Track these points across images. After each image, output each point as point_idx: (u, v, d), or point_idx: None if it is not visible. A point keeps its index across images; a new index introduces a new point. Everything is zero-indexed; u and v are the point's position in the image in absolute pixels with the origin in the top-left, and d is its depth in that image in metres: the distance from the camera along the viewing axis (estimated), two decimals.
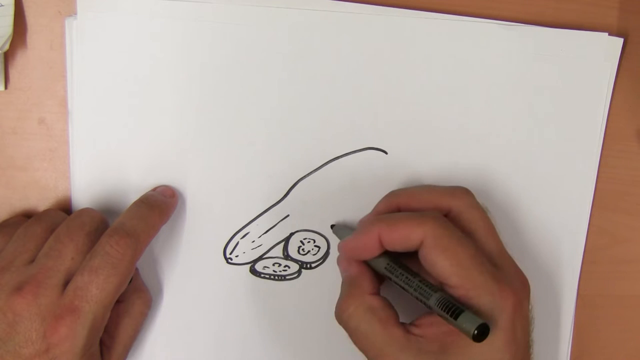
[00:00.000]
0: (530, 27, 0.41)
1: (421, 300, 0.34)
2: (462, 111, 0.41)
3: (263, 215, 0.41)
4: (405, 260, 0.36)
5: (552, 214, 0.42)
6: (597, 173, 0.43)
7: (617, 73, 0.42)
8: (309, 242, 0.41)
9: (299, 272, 0.41)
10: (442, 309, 0.33)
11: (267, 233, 0.41)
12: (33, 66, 0.39)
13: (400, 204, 0.38)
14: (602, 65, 0.42)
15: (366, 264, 0.37)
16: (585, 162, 0.42)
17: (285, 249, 0.41)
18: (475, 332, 0.31)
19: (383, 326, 0.35)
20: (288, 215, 0.41)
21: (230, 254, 0.41)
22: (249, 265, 0.41)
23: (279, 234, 0.41)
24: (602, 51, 0.42)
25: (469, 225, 0.36)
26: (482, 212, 0.37)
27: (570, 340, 0.44)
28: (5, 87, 0.38)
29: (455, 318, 0.32)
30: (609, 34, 0.42)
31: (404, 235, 0.35)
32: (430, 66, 0.41)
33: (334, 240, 0.41)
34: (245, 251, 0.41)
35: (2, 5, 0.37)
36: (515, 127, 0.42)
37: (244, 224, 0.40)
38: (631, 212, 0.44)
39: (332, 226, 0.41)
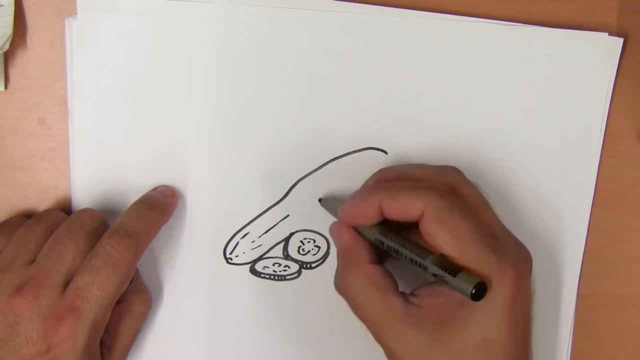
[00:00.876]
0: (531, 27, 0.41)
1: (417, 263, 0.34)
2: (462, 111, 0.41)
3: (263, 215, 0.41)
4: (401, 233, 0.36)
5: (552, 213, 0.42)
6: (597, 173, 0.43)
7: (617, 73, 0.42)
8: (309, 242, 0.41)
9: (299, 272, 0.41)
10: (439, 269, 0.33)
11: (267, 233, 0.41)
12: (33, 66, 0.39)
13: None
14: (602, 65, 0.42)
15: (359, 233, 0.37)
16: (586, 162, 0.42)
17: (285, 249, 0.41)
18: (474, 290, 0.31)
19: (382, 295, 0.35)
20: (288, 215, 0.41)
21: (230, 254, 0.41)
22: (249, 265, 0.41)
23: (279, 234, 0.41)
24: (602, 51, 0.42)
25: (463, 201, 0.36)
26: (474, 188, 0.37)
27: (570, 340, 0.44)
28: (5, 87, 0.38)
29: (454, 277, 0.32)
30: (609, 34, 0.42)
31: (404, 206, 0.34)
32: (430, 66, 0.41)
33: None
34: (245, 251, 0.41)
35: (2, 5, 0.37)
36: (515, 127, 0.42)
37: (244, 224, 0.40)
38: (631, 212, 0.44)
39: (320, 200, 0.40)
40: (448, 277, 0.32)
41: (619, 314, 0.45)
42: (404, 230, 0.36)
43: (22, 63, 0.39)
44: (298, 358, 0.42)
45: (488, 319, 0.33)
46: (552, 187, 0.42)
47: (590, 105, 0.42)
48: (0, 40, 0.36)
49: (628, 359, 0.45)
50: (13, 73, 0.39)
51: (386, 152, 0.41)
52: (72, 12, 0.38)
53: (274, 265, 0.41)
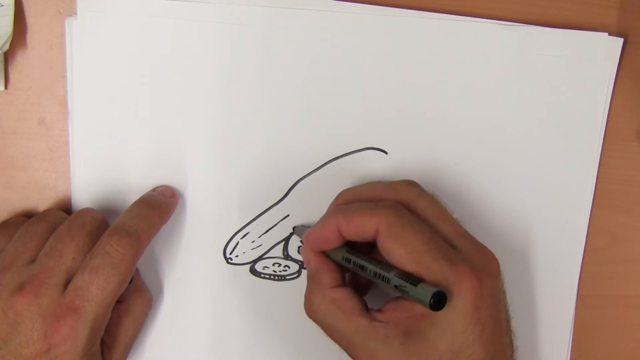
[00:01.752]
0: (531, 27, 0.41)
1: (380, 276, 0.34)
2: (462, 111, 0.41)
3: (263, 215, 0.41)
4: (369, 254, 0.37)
5: (552, 214, 0.42)
6: (597, 173, 0.43)
7: (617, 73, 0.42)
8: None
9: (298, 272, 0.41)
10: (400, 280, 0.33)
11: (267, 233, 0.41)
12: (33, 66, 0.39)
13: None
14: (602, 65, 0.42)
15: (327, 256, 0.38)
16: (586, 162, 0.42)
17: (285, 248, 0.41)
18: (432, 300, 0.31)
19: (347, 317, 0.35)
20: (288, 215, 0.41)
21: (230, 254, 0.41)
22: (249, 265, 0.41)
23: (279, 234, 0.41)
24: (602, 51, 0.42)
25: (418, 214, 0.36)
26: (430, 198, 0.37)
27: (570, 340, 0.44)
28: (5, 87, 0.38)
29: (415, 286, 0.32)
30: (609, 34, 0.42)
31: (359, 225, 0.35)
32: (430, 66, 0.41)
33: None
34: (245, 251, 0.41)
35: (2, 5, 0.37)
36: (515, 127, 0.42)
37: (244, 224, 0.40)
38: (631, 212, 0.44)
39: (293, 228, 0.41)
40: (409, 287, 0.32)
41: (619, 314, 0.45)
42: (373, 253, 0.37)
43: (22, 63, 0.39)
44: (298, 357, 0.42)
45: (451, 328, 0.33)
46: (552, 187, 0.42)
47: (590, 106, 0.42)
48: (0, 40, 0.36)
49: (628, 359, 0.45)
50: (13, 73, 0.39)
51: (386, 152, 0.41)
52: (72, 12, 0.38)
53: (274, 265, 0.41)
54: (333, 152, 0.41)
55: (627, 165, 0.44)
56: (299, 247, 0.41)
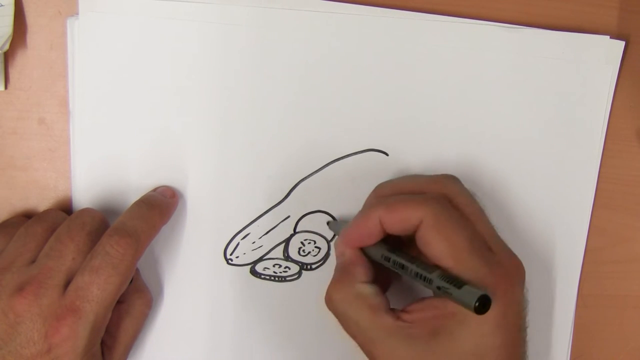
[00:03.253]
0: (532, 30, 0.41)
1: (422, 276, 0.34)
2: (463, 113, 0.41)
3: (264, 216, 0.40)
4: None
5: (553, 214, 0.42)
6: (598, 173, 0.43)
7: (618, 75, 0.42)
8: (309, 243, 0.41)
9: (299, 274, 0.41)
10: (444, 282, 0.32)
11: (268, 234, 0.41)
12: (33, 66, 0.38)
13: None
14: (603, 68, 0.42)
15: (363, 252, 0.37)
16: (586, 163, 0.43)
17: (285, 250, 0.41)
18: (477, 303, 0.31)
19: (372, 312, 0.35)
20: (289, 217, 0.41)
21: (231, 254, 0.40)
22: (250, 266, 0.41)
23: (280, 235, 0.41)
24: (603, 54, 0.42)
25: (459, 210, 0.36)
26: (471, 197, 0.37)
27: (570, 340, 0.44)
28: (5, 87, 0.38)
29: (459, 289, 0.32)
30: (610, 37, 0.42)
31: (404, 217, 0.35)
32: (431, 68, 0.41)
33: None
34: (246, 252, 0.41)
35: (2, 5, 0.37)
36: (516, 129, 0.42)
37: (245, 225, 0.40)
38: (631, 212, 0.44)
39: (327, 223, 0.41)
40: (452, 289, 0.32)
41: (619, 314, 0.45)
42: (408, 250, 0.36)
43: (22, 63, 0.38)
44: (298, 359, 0.41)
45: (479, 330, 0.33)
46: (552, 187, 0.42)
47: (592, 108, 0.42)
48: (0, 40, 0.36)
49: (628, 359, 0.45)
50: (13, 73, 0.38)
51: (387, 154, 0.41)
52: (73, 12, 0.38)
53: (274, 266, 0.41)
54: (334, 154, 0.41)
55: (627, 166, 0.44)
56: (299, 248, 0.41)
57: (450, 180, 0.37)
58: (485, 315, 0.32)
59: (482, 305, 0.31)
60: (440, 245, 0.34)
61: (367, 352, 0.35)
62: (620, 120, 0.43)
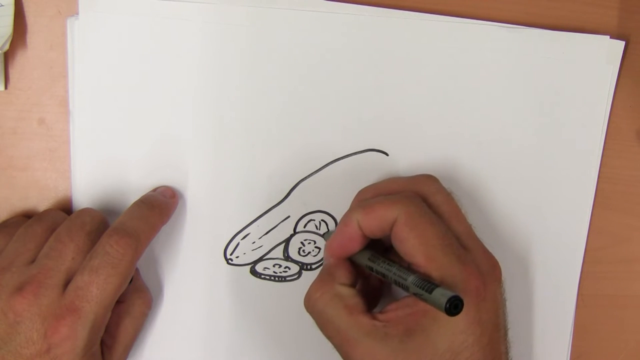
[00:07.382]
0: (532, 30, 0.41)
1: (399, 283, 0.34)
2: (464, 113, 0.41)
3: (264, 216, 0.41)
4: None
5: (552, 214, 0.42)
6: (598, 173, 0.43)
7: (618, 75, 0.42)
8: (309, 243, 0.41)
9: (299, 274, 0.41)
10: (417, 287, 0.33)
11: (268, 234, 0.41)
12: (33, 66, 0.38)
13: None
14: (603, 68, 0.42)
15: (349, 258, 0.38)
16: (586, 163, 0.43)
17: (285, 250, 0.41)
18: (447, 305, 0.31)
19: (349, 312, 0.35)
20: (289, 217, 0.41)
21: (231, 254, 0.40)
22: (250, 266, 0.41)
23: (280, 235, 0.41)
24: (603, 54, 0.42)
25: (434, 210, 0.36)
26: (447, 195, 0.37)
27: (570, 340, 0.44)
28: (5, 87, 0.38)
29: (430, 294, 0.32)
30: (611, 37, 0.42)
31: (380, 217, 0.35)
32: (431, 68, 0.41)
33: None
34: (246, 252, 0.41)
35: (2, 5, 0.37)
36: (516, 128, 0.42)
37: (245, 225, 0.40)
38: (631, 212, 0.44)
39: (323, 234, 0.41)
40: (425, 295, 0.32)
41: (619, 314, 0.45)
42: (392, 256, 0.37)
43: (22, 63, 0.38)
44: (298, 359, 0.41)
45: (453, 327, 0.33)
46: (552, 187, 0.42)
47: (592, 108, 0.42)
48: (0, 40, 0.36)
49: (628, 359, 0.45)
50: (13, 73, 0.38)
51: (387, 154, 0.41)
52: (72, 12, 0.38)
53: (274, 266, 0.41)
54: (334, 154, 0.41)
55: (627, 166, 0.44)
56: (299, 248, 0.41)
57: (428, 179, 0.38)
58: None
59: (454, 306, 0.31)
60: (412, 242, 0.34)
61: (343, 353, 0.35)
62: (620, 120, 0.43)
